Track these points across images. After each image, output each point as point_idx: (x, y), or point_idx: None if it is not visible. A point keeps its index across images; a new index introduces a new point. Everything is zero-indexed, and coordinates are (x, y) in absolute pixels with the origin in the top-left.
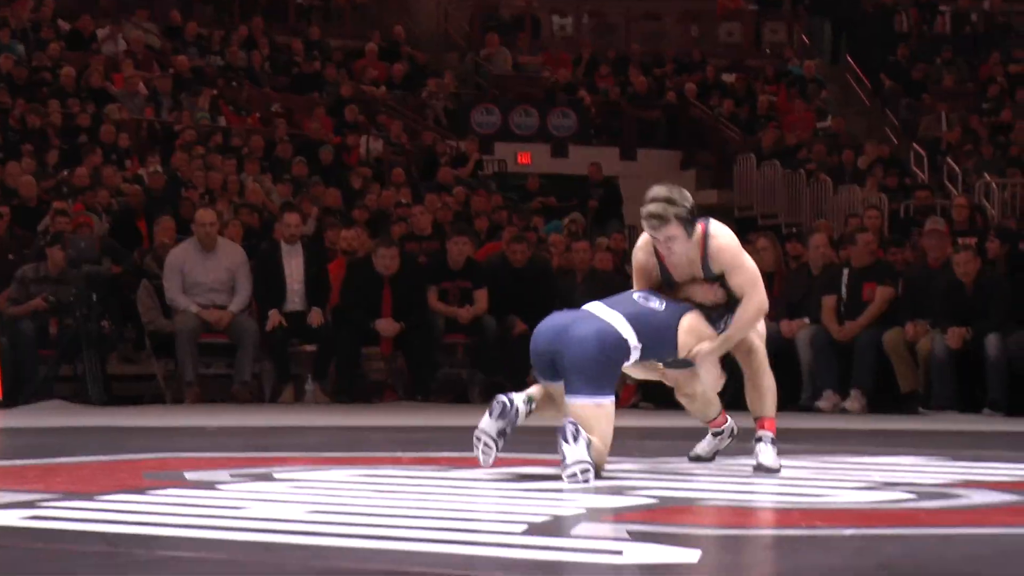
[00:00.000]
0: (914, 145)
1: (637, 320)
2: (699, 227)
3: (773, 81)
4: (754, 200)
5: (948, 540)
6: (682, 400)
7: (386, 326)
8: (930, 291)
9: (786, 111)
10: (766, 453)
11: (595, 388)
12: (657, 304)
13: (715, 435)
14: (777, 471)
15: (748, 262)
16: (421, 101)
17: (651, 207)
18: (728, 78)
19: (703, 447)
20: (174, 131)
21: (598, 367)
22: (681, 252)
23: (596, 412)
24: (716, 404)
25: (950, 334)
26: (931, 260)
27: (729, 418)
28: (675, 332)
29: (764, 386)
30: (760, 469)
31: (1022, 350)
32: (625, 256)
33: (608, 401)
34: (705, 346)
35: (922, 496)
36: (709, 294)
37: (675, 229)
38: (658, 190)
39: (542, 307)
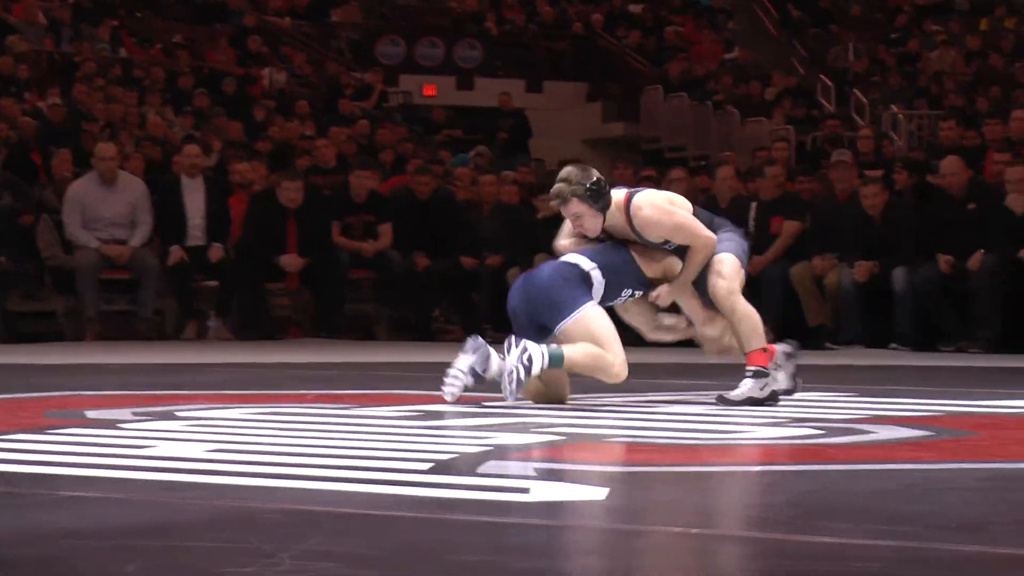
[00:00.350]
0: (821, 76)
1: (590, 252)
2: (622, 199)
3: (681, 12)
4: (661, 132)
5: (856, 476)
6: (714, 351)
7: (290, 261)
8: (838, 224)
9: (694, 42)
10: (740, 387)
11: (567, 307)
12: (609, 244)
13: (750, 376)
14: (739, 403)
15: (680, 219)
16: (326, 32)
17: (552, 189)
18: (635, 8)
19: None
20: (74, 62)
21: (559, 291)
22: (593, 228)
23: (578, 325)
24: (729, 340)
25: (857, 268)
26: (838, 193)
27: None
28: (631, 257)
29: (736, 323)
30: (721, 400)
31: (929, 284)
32: (531, 189)
33: (585, 307)
34: (663, 289)
35: (830, 432)
36: (652, 265)
37: (577, 206)
38: (562, 171)
39: (448, 241)
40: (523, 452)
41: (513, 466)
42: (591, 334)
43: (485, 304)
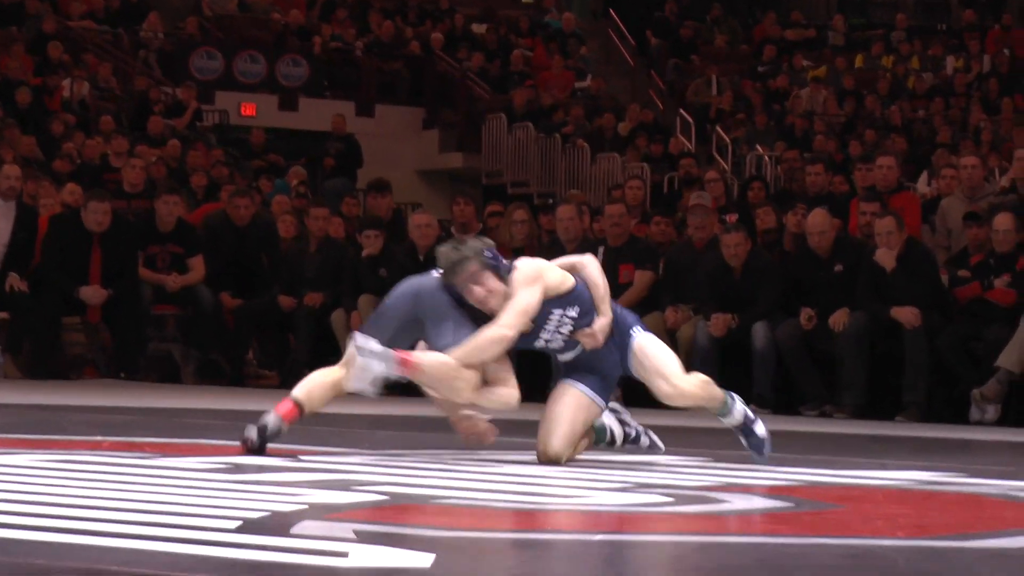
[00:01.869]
0: (681, 111)
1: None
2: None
3: (529, 34)
4: (504, 166)
5: (705, 548)
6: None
7: (92, 293)
8: (694, 273)
9: (542, 68)
10: None
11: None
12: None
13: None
14: None
15: (519, 289)
16: (135, 41)
17: (450, 259)
18: (479, 29)
19: None
20: None
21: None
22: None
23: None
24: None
25: (714, 321)
26: (696, 239)
27: None
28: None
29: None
30: None
31: (792, 341)
32: (358, 223)
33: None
34: (603, 322)
35: (680, 500)
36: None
37: (489, 281)
38: (448, 246)
39: (267, 276)
40: (342, 512)
41: (331, 527)
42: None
43: (303, 348)
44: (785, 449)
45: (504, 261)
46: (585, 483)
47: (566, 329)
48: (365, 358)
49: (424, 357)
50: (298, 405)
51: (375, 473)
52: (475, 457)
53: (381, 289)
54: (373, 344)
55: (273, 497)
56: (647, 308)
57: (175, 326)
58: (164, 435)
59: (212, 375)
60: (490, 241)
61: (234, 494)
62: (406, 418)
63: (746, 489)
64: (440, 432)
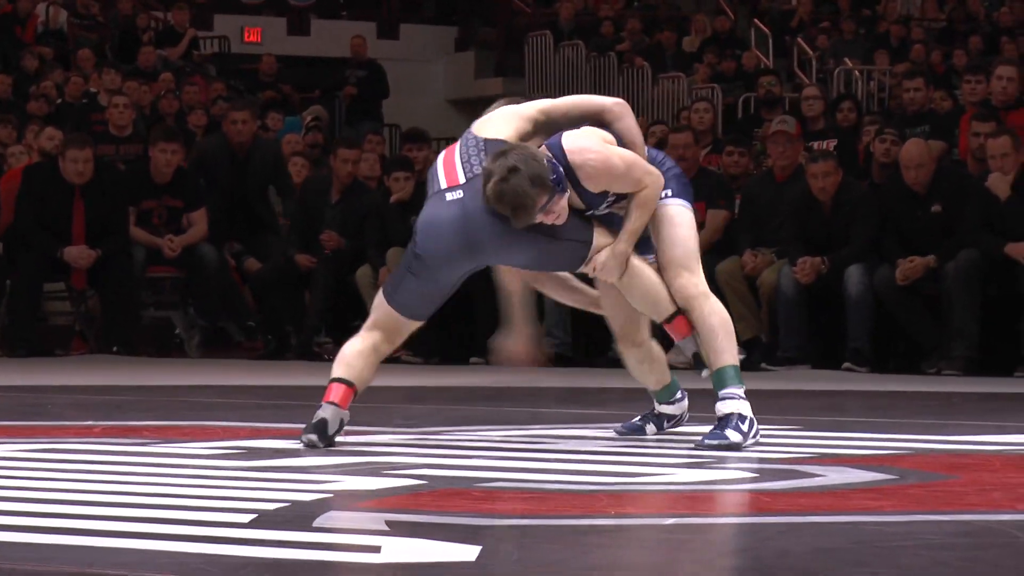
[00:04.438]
0: (755, 21)
1: None
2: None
3: None
4: (552, 91)
5: (795, 529)
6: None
7: (78, 254)
8: (776, 211)
9: None
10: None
11: None
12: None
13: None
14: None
15: (629, 157)
16: None
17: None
18: None
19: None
20: None
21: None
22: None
23: None
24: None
25: (800, 266)
26: (777, 171)
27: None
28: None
29: (708, 334)
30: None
31: (891, 287)
32: (385, 164)
33: None
34: (605, 255)
35: (765, 475)
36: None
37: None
38: (498, 163)
39: (274, 219)
40: (373, 500)
41: (360, 518)
42: None
43: (318, 310)
44: (886, 412)
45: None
46: (653, 458)
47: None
48: None
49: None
50: (349, 385)
51: (409, 454)
52: (525, 434)
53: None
54: None
55: (292, 485)
56: (722, 252)
57: (174, 289)
58: (165, 417)
59: (218, 345)
60: (536, 150)
61: (247, 483)
62: (444, 389)
63: (841, 460)
64: (484, 405)
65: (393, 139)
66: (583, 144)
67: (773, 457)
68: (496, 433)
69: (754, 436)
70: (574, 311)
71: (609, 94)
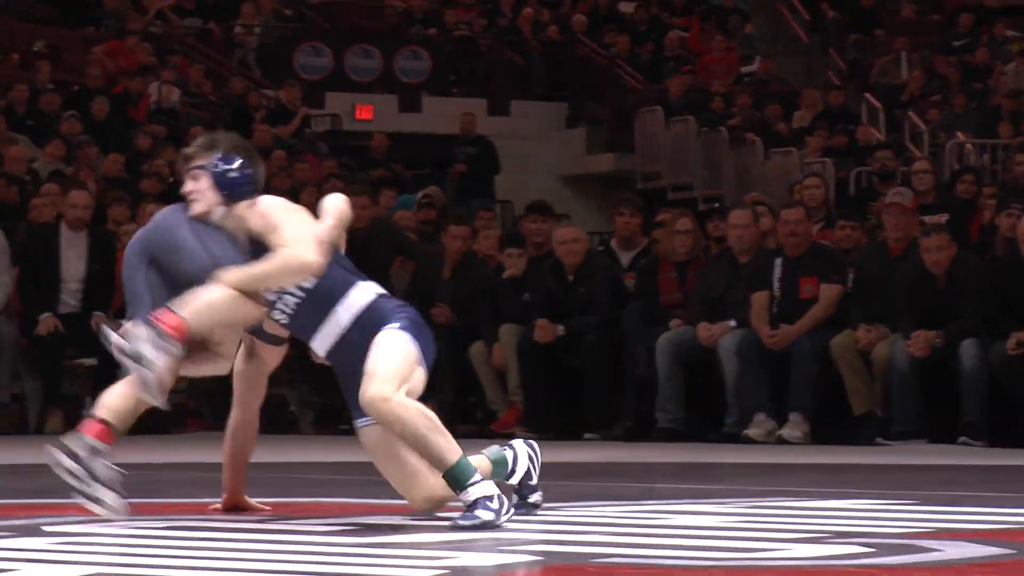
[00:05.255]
0: (866, 95)
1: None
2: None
3: (684, 12)
4: (662, 167)
5: None
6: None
7: None
8: (890, 285)
9: (702, 51)
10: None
11: None
12: None
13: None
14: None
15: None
16: (228, 37)
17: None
18: (626, 8)
19: None
20: None
21: None
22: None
23: None
24: None
25: (914, 340)
26: (891, 244)
27: None
28: None
29: (417, 437)
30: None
31: (1006, 361)
32: (502, 242)
33: None
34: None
35: (882, 550)
36: None
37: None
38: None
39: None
40: None
41: None
42: None
43: (443, 389)
44: (1003, 487)
45: (251, 187)
46: (770, 533)
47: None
48: (132, 357)
49: (190, 302)
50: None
51: (526, 530)
52: (639, 509)
53: (525, 316)
54: (121, 338)
55: (408, 562)
56: (836, 327)
57: (288, 368)
58: (281, 494)
59: (333, 423)
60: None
61: (363, 559)
62: (558, 465)
63: (958, 535)
64: (598, 481)
65: (505, 215)
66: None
67: (890, 532)
68: (611, 509)
69: (507, 512)
70: (687, 386)
71: (719, 170)
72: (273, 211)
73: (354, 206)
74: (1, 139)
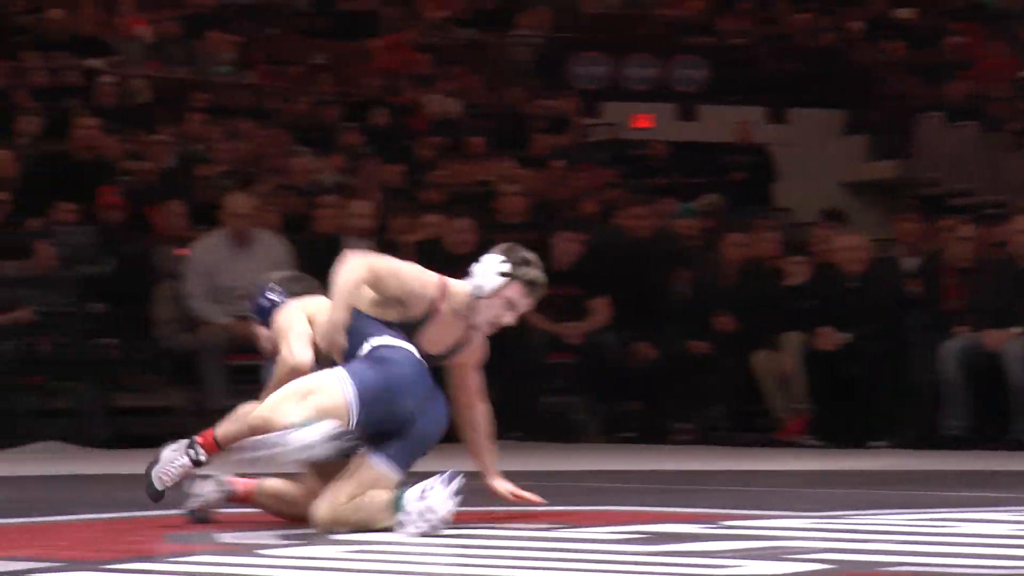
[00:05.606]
0: None
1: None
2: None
3: (963, 16)
4: (942, 172)
5: None
6: None
7: None
8: None
9: (980, 56)
10: None
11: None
12: None
13: None
14: None
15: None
16: (504, 46)
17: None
18: (904, 14)
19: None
20: (188, 90)
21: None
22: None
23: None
24: None
25: None
26: None
27: None
28: None
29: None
30: None
31: None
32: (783, 249)
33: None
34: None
35: None
36: None
37: None
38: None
39: (676, 307)
40: None
41: None
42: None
43: (725, 396)
44: None
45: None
46: None
47: None
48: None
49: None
50: None
51: (812, 538)
52: (928, 517)
53: (807, 325)
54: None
55: (695, 571)
56: None
57: (573, 375)
58: (567, 503)
59: (619, 430)
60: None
61: (651, 568)
62: (845, 473)
63: None
64: (885, 489)
65: (785, 223)
66: None
67: None
68: (899, 517)
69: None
70: (975, 392)
71: (1001, 174)
72: (278, 319)
73: (634, 216)
74: (284, 151)
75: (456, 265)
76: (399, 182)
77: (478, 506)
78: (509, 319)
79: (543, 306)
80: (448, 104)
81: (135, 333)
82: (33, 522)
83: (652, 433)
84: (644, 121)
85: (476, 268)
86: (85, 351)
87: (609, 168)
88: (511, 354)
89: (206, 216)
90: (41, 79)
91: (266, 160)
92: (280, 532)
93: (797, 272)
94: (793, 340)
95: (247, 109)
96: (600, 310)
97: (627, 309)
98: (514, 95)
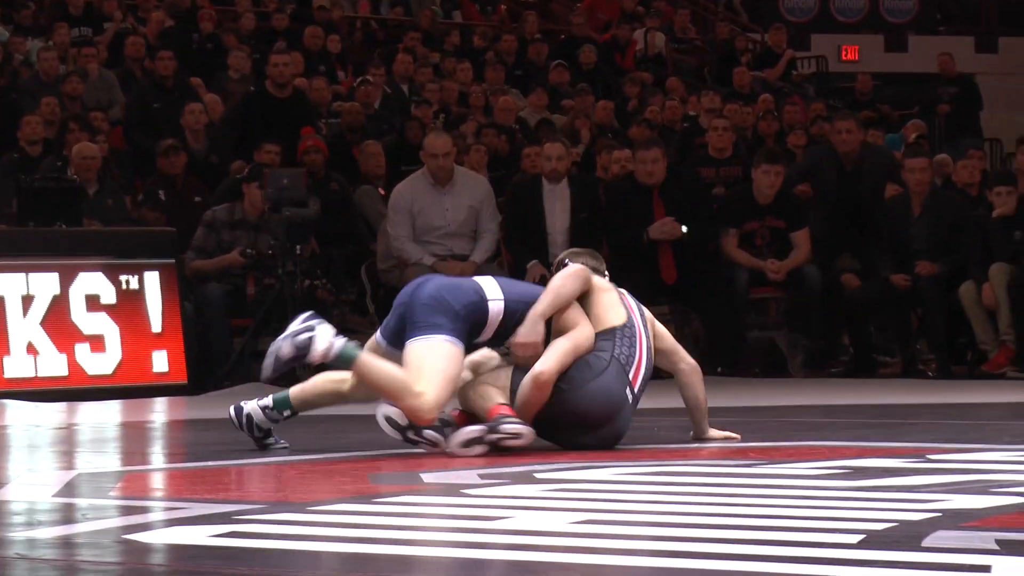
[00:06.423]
0: None
1: (508, 283)
2: None
3: None
4: None
5: None
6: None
7: (661, 229)
8: None
9: None
10: None
11: (420, 328)
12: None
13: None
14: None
15: None
16: None
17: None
18: None
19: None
20: (398, 31)
21: (424, 311)
22: None
23: (415, 347)
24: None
25: None
26: None
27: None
28: None
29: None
30: None
31: None
32: (984, 178)
33: (436, 337)
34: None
35: None
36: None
37: None
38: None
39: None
40: (982, 519)
41: (969, 537)
42: (420, 361)
43: (932, 328)
44: None
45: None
46: None
47: None
48: None
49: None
50: None
51: (1018, 472)
52: None
53: (1016, 255)
54: None
55: (900, 505)
56: None
57: (778, 311)
58: (771, 438)
59: (823, 364)
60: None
61: (855, 503)
62: None
63: None
64: None
65: (994, 153)
66: None
67: None
68: None
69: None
70: None
71: None
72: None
73: (842, 130)
74: (492, 90)
75: (645, 195)
76: (608, 119)
77: (673, 443)
78: None
79: (744, 240)
80: (655, 40)
81: (343, 274)
82: (238, 464)
83: (858, 367)
84: (853, 53)
85: None
86: (293, 293)
87: (817, 101)
88: (715, 287)
89: (411, 157)
90: (248, 23)
91: (473, 99)
92: (480, 471)
93: (1005, 203)
94: (1000, 272)
95: (456, 49)
96: (802, 243)
97: (836, 237)
98: (722, 30)
